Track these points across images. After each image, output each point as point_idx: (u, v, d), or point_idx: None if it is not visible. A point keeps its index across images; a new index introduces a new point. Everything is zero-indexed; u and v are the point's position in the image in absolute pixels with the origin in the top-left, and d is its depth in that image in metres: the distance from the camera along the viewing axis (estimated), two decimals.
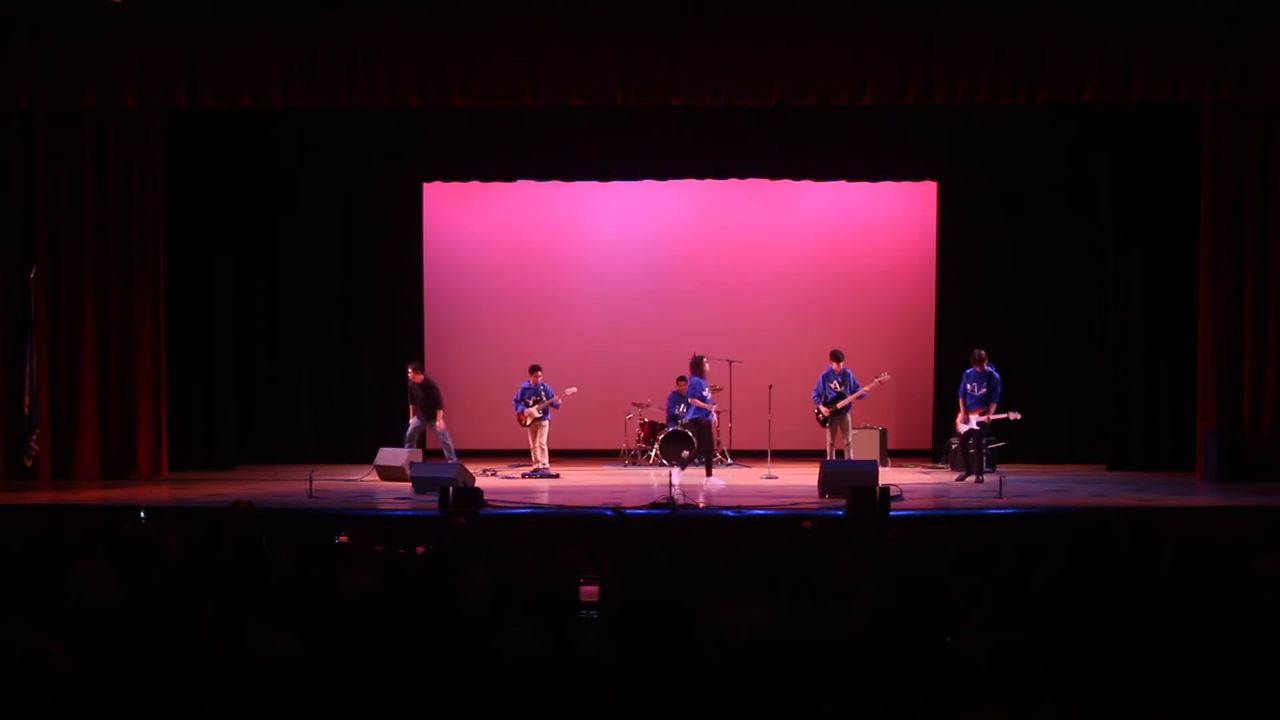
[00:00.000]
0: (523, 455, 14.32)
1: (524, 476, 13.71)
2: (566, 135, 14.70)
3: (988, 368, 12.96)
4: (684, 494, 11.25)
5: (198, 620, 4.20)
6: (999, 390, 12.87)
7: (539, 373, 14.09)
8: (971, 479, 12.89)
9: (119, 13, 12.11)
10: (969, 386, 13.06)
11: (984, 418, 12.83)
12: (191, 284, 14.29)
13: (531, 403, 13.96)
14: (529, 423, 13.97)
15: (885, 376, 13.61)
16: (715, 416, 13.56)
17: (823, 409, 13.51)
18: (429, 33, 12.65)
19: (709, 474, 13.20)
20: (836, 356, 13.55)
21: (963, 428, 13.12)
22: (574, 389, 14.07)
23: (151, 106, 13.07)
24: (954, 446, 13.68)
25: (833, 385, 13.48)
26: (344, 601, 5.15)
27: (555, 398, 13.99)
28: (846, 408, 13.48)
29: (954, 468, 13.63)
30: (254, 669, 4.37)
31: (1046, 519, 10.62)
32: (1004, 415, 12.86)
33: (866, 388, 13.51)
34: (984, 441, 13.02)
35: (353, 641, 4.60)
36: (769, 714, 4.02)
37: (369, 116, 14.17)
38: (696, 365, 13.49)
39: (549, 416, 14.04)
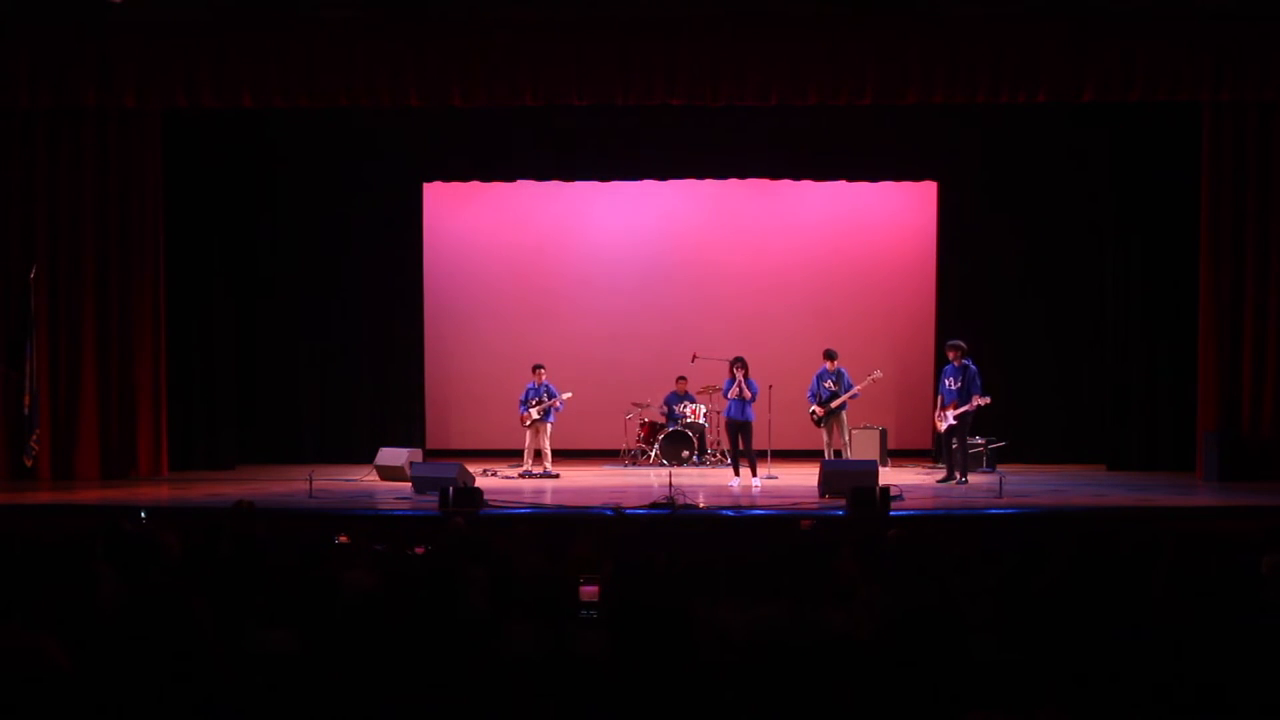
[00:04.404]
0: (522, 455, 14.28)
1: (520, 476, 13.68)
2: (566, 135, 14.72)
3: (964, 361, 12.89)
4: (684, 494, 11.24)
5: (198, 620, 4.20)
6: (977, 384, 12.72)
7: (541, 372, 14.01)
8: (954, 481, 12.79)
9: (119, 13, 12.11)
10: (947, 382, 12.95)
11: (959, 412, 12.75)
12: (191, 284, 14.29)
13: (534, 403, 13.91)
14: (528, 423, 13.92)
15: (878, 374, 13.58)
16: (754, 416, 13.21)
17: (817, 409, 13.48)
18: (429, 33, 12.65)
19: (754, 474, 13.03)
20: (830, 356, 13.49)
21: (941, 425, 13.05)
22: (569, 394, 13.95)
23: (151, 106, 13.07)
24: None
25: (827, 385, 13.44)
26: (344, 601, 5.14)
27: (558, 399, 13.93)
28: (841, 407, 13.45)
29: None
30: (254, 669, 4.36)
31: (1047, 519, 10.61)
32: (975, 405, 12.67)
33: (859, 386, 13.45)
34: (965, 439, 12.94)
35: (353, 641, 4.60)
36: (769, 715, 4.02)
37: (369, 116, 14.18)
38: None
39: (551, 418, 13.97)
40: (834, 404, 13.40)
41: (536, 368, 14.02)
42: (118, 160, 13.37)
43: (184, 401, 14.23)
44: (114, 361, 13.52)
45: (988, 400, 12.71)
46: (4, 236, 13.32)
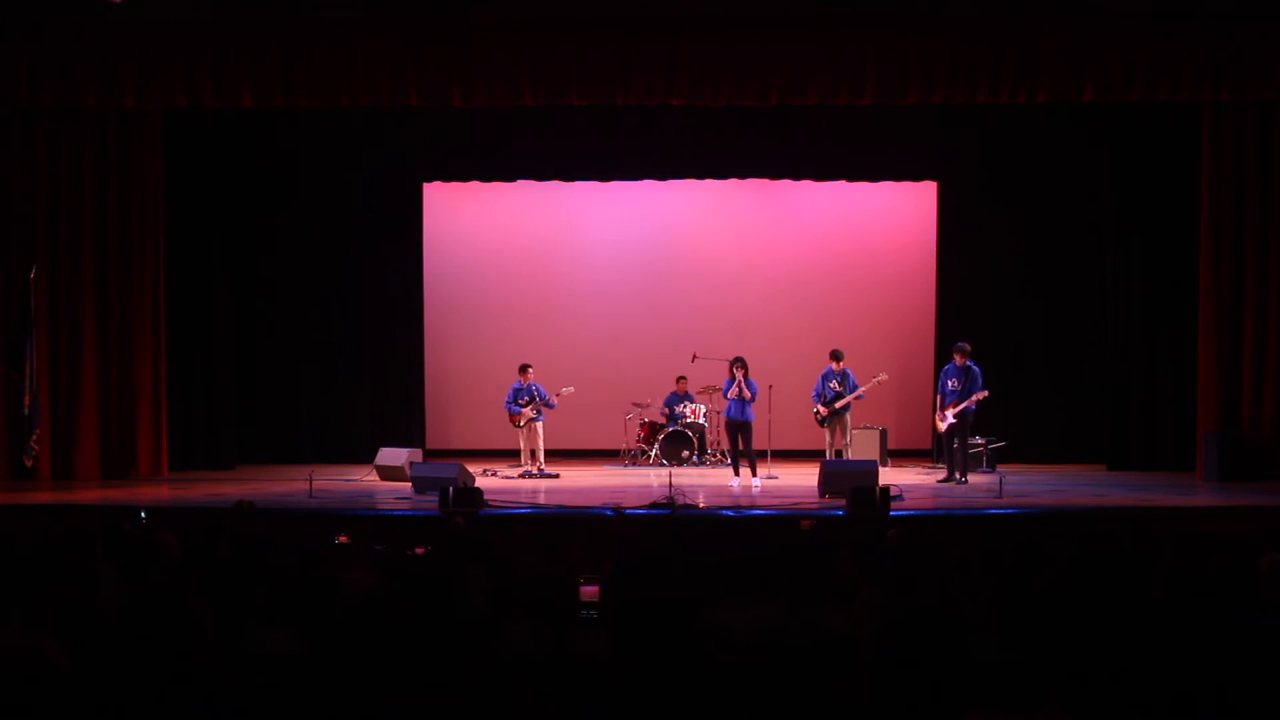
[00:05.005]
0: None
1: (520, 476, 13.67)
2: (566, 135, 14.72)
3: (967, 362, 12.91)
4: (684, 494, 11.24)
5: (198, 620, 4.20)
6: (978, 385, 12.77)
7: (529, 372, 14.01)
8: (954, 481, 12.82)
9: (119, 13, 12.11)
10: (949, 383, 12.97)
11: (959, 409, 12.76)
12: (191, 284, 14.30)
13: (524, 403, 13.89)
14: (523, 424, 13.91)
15: (883, 377, 13.58)
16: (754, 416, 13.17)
17: (821, 409, 13.46)
18: (429, 33, 12.64)
19: (754, 474, 13.04)
20: (836, 356, 13.48)
21: (942, 425, 13.07)
22: (570, 388, 14.00)
23: (151, 107, 13.07)
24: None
25: (832, 385, 13.42)
26: (344, 601, 5.14)
27: (549, 398, 13.92)
28: (845, 408, 13.43)
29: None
30: (254, 669, 4.37)
31: (1047, 519, 10.61)
32: (975, 400, 12.71)
33: (865, 388, 13.43)
34: (965, 439, 12.97)
35: (353, 641, 4.60)
36: (769, 715, 4.02)
37: (369, 116, 14.18)
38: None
39: (542, 417, 13.94)
40: (838, 404, 13.38)
41: (524, 368, 14.00)
42: (118, 160, 13.37)
43: (184, 401, 14.23)
44: (114, 361, 13.52)
45: (985, 394, 12.73)
46: (4, 236, 13.31)
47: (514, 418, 13.94)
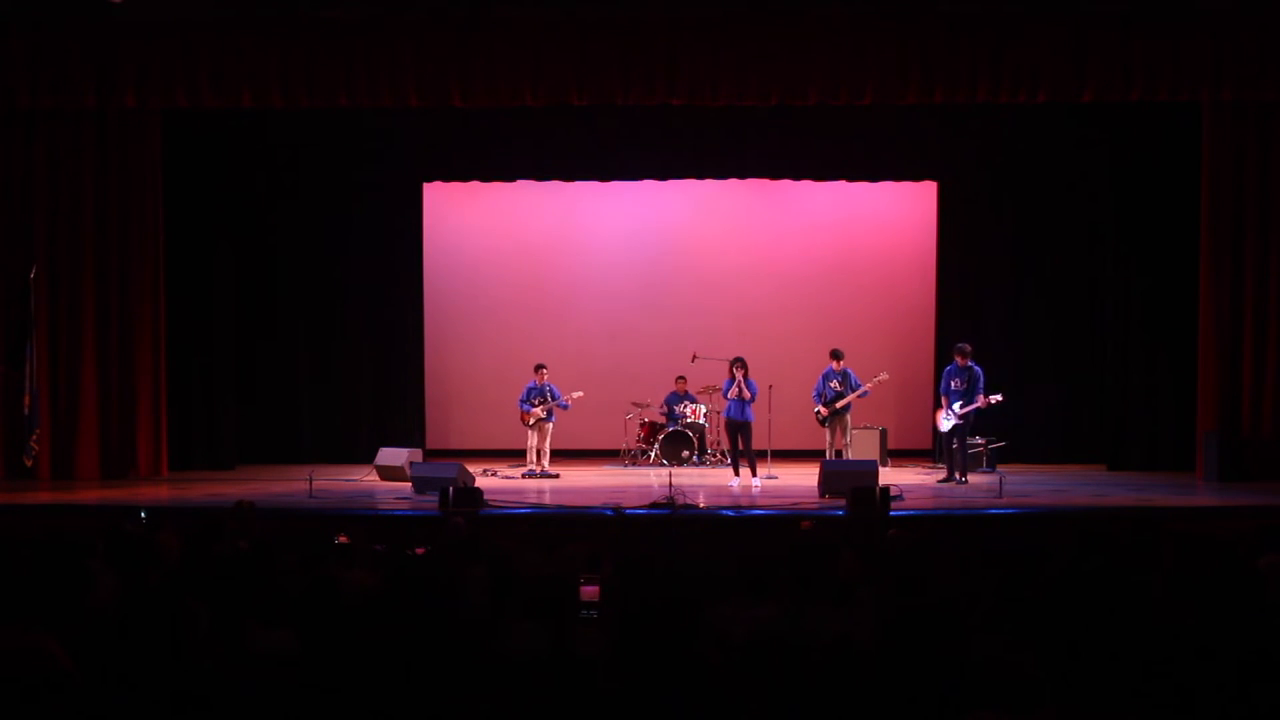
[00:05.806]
0: (523, 455, 14.26)
1: (523, 476, 13.69)
2: (566, 135, 14.72)
3: (969, 363, 12.93)
4: (684, 494, 11.23)
5: (198, 620, 4.21)
6: (981, 385, 12.80)
7: (544, 371, 14.03)
8: (954, 481, 12.84)
9: (119, 13, 12.12)
10: (951, 383, 13.01)
11: (966, 410, 12.79)
12: (191, 284, 14.30)
13: (537, 403, 13.90)
14: (532, 423, 13.92)
15: (884, 376, 13.56)
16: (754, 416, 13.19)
17: (822, 409, 13.45)
18: (429, 32, 12.65)
19: (754, 474, 13.05)
20: (836, 355, 13.47)
21: (944, 425, 13.07)
22: (580, 393, 14.00)
23: (151, 106, 13.07)
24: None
25: (833, 385, 13.41)
26: (344, 601, 5.14)
27: (562, 399, 13.93)
28: (846, 407, 13.42)
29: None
30: (254, 669, 4.37)
31: (1046, 519, 10.61)
32: (986, 402, 12.76)
33: (867, 386, 13.42)
34: (965, 439, 12.99)
35: (353, 641, 4.60)
36: (769, 715, 4.02)
37: (369, 116, 14.18)
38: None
39: (553, 418, 13.98)
40: (839, 404, 13.36)
41: (539, 367, 14.02)
42: (118, 160, 13.37)
43: (184, 401, 14.23)
44: (114, 361, 13.52)
45: (1000, 397, 12.75)
46: (4, 236, 13.32)
47: (525, 416, 13.95)
